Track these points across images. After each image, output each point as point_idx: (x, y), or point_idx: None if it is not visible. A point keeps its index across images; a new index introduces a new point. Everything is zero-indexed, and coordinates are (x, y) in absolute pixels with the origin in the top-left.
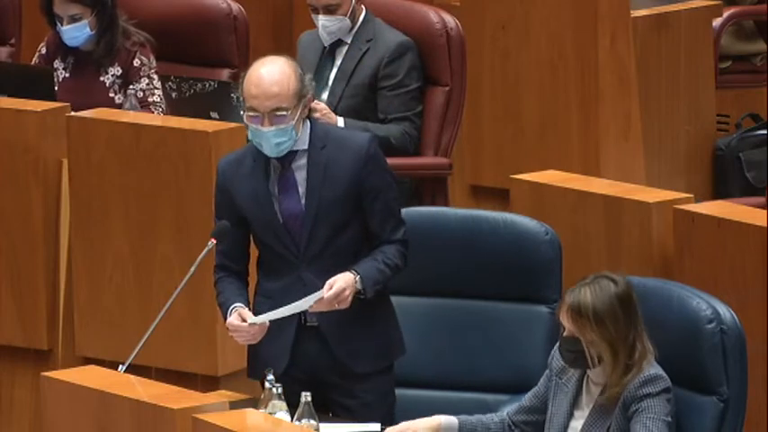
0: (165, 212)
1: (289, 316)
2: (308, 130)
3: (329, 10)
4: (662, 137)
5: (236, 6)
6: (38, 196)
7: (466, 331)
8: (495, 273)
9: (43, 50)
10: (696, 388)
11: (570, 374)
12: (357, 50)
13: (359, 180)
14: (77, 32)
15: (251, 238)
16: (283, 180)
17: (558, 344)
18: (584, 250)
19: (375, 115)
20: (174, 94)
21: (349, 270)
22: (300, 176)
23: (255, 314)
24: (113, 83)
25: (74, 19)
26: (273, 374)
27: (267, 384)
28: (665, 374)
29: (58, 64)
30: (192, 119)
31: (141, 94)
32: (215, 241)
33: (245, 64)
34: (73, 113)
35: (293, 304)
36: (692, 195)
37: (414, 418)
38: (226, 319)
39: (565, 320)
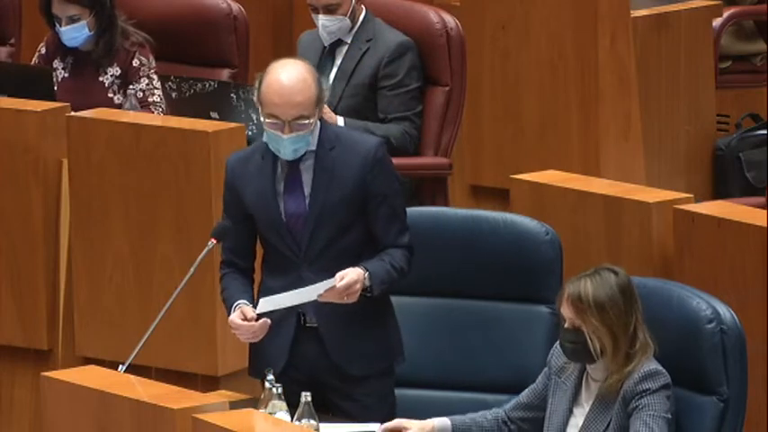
0: (165, 212)
1: (289, 316)
2: (318, 131)
3: (329, 10)
4: (662, 137)
5: (236, 6)
6: (38, 196)
7: (466, 331)
8: (495, 273)
9: (43, 50)
10: (696, 388)
11: (569, 372)
12: (357, 50)
13: (364, 183)
14: (76, 33)
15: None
16: (290, 179)
17: (557, 342)
18: (585, 250)
19: (375, 115)
20: (174, 94)
21: (358, 266)
22: (307, 177)
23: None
24: (112, 83)
25: (72, 20)
26: (273, 374)
27: (267, 384)
28: (664, 370)
29: (57, 64)
30: (191, 119)
31: (141, 94)
32: (215, 241)
33: (245, 64)
34: (73, 113)
35: (303, 290)
36: (692, 195)
37: (414, 418)
38: (229, 315)
39: (566, 310)
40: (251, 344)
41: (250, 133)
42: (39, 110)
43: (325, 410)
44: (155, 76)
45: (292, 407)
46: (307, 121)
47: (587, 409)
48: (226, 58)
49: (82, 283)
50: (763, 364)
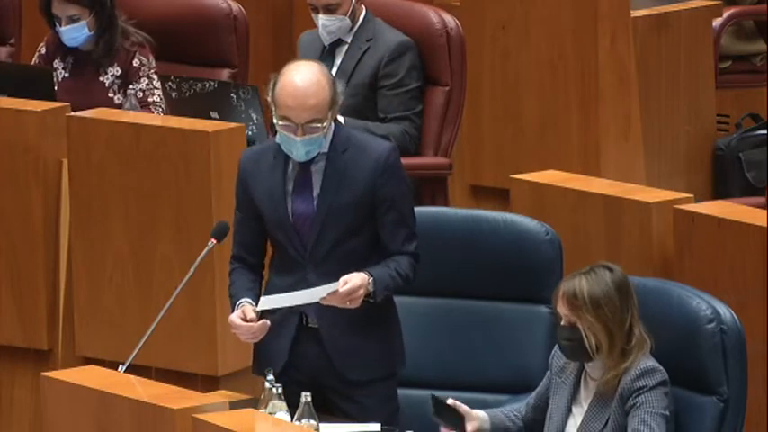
0: (165, 212)
1: (291, 316)
2: (331, 133)
3: (329, 9)
4: (662, 137)
5: (236, 6)
6: (38, 196)
7: (466, 331)
8: (496, 273)
9: (43, 50)
10: (696, 388)
11: (569, 372)
12: (357, 50)
13: (374, 188)
14: (76, 33)
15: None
16: (299, 180)
17: (557, 342)
18: (585, 250)
19: (375, 115)
20: (174, 94)
21: (363, 271)
22: (317, 178)
23: (262, 310)
24: (113, 83)
25: (72, 19)
26: (273, 374)
27: (267, 384)
28: (661, 367)
29: (57, 64)
30: (192, 119)
31: (141, 94)
32: (215, 241)
33: (245, 64)
34: (73, 113)
35: (306, 291)
36: (692, 195)
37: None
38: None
39: (561, 308)
40: (255, 342)
41: (250, 133)
42: (39, 110)
43: (325, 411)
44: (155, 76)
45: (293, 407)
46: (320, 125)
47: (586, 407)
48: (226, 58)
49: (82, 283)
50: (763, 364)
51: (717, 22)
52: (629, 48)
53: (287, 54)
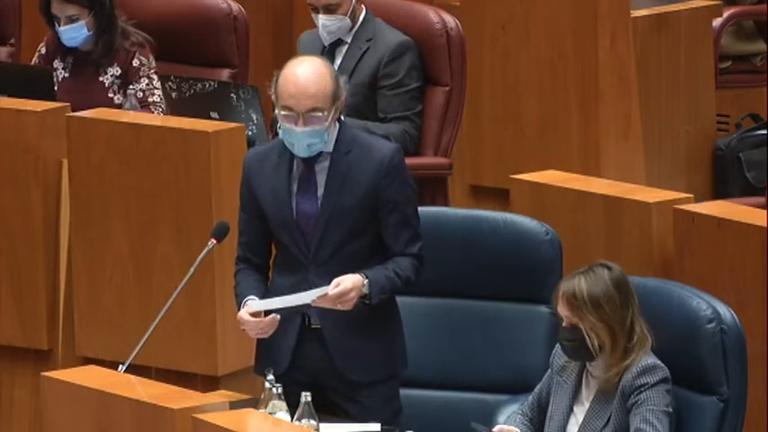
0: (165, 212)
1: (294, 316)
2: (336, 133)
3: (329, 9)
4: (662, 137)
5: (236, 6)
6: (38, 196)
7: (466, 331)
8: (495, 273)
9: (43, 50)
10: (696, 388)
11: (570, 372)
12: (357, 50)
13: (377, 189)
14: (75, 33)
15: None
16: (304, 180)
17: (558, 343)
18: (585, 250)
19: (375, 115)
20: (174, 94)
21: (358, 273)
22: (321, 178)
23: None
24: (113, 83)
25: (71, 19)
26: (275, 374)
27: (267, 384)
28: (662, 364)
29: (57, 64)
30: (192, 119)
31: (141, 94)
32: (215, 241)
33: (245, 64)
34: (73, 113)
35: (296, 295)
36: (692, 195)
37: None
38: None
39: (562, 309)
40: (258, 342)
41: (250, 133)
42: (39, 110)
43: (327, 411)
44: (155, 76)
45: (294, 407)
46: (321, 114)
47: (587, 406)
48: (226, 58)
49: (82, 283)
50: (763, 364)
51: (717, 22)
52: (629, 48)
53: (287, 54)
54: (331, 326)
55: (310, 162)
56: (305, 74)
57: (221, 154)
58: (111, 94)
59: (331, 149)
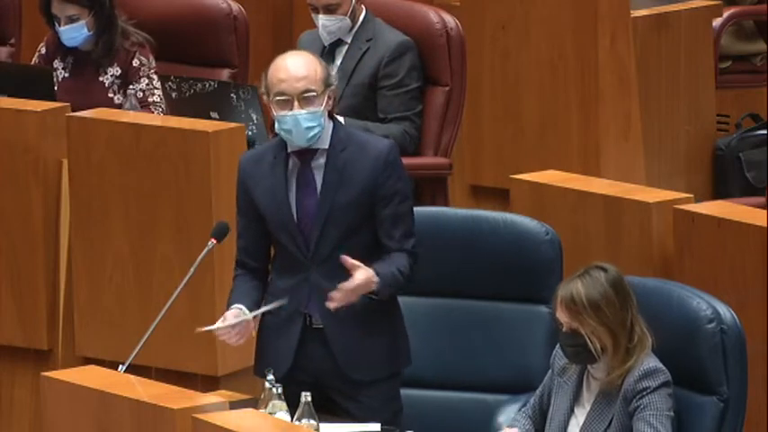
0: (165, 212)
1: (295, 316)
2: (331, 131)
3: (329, 9)
4: (662, 137)
5: (236, 6)
6: (38, 196)
7: (466, 331)
8: (495, 273)
9: (43, 50)
10: (696, 388)
11: (571, 373)
12: (357, 50)
13: (374, 186)
14: (75, 33)
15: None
16: (301, 179)
17: (558, 344)
18: (585, 250)
19: (375, 115)
20: (174, 94)
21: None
22: (318, 176)
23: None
24: (113, 83)
25: (71, 19)
26: (276, 375)
27: (267, 384)
28: (663, 368)
29: (57, 64)
30: (192, 119)
31: (141, 94)
32: (215, 241)
33: (245, 64)
34: (73, 113)
35: (262, 309)
36: (692, 195)
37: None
38: None
39: (561, 315)
40: (257, 343)
41: (250, 133)
42: (39, 110)
43: (328, 411)
44: (155, 76)
45: (295, 407)
46: (314, 94)
47: (588, 408)
48: (226, 58)
49: (82, 283)
50: (763, 364)
51: (717, 22)
52: (629, 48)
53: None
54: (333, 325)
55: (307, 159)
56: (294, 59)
57: (221, 154)
58: (111, 94)
59: (326, 146)
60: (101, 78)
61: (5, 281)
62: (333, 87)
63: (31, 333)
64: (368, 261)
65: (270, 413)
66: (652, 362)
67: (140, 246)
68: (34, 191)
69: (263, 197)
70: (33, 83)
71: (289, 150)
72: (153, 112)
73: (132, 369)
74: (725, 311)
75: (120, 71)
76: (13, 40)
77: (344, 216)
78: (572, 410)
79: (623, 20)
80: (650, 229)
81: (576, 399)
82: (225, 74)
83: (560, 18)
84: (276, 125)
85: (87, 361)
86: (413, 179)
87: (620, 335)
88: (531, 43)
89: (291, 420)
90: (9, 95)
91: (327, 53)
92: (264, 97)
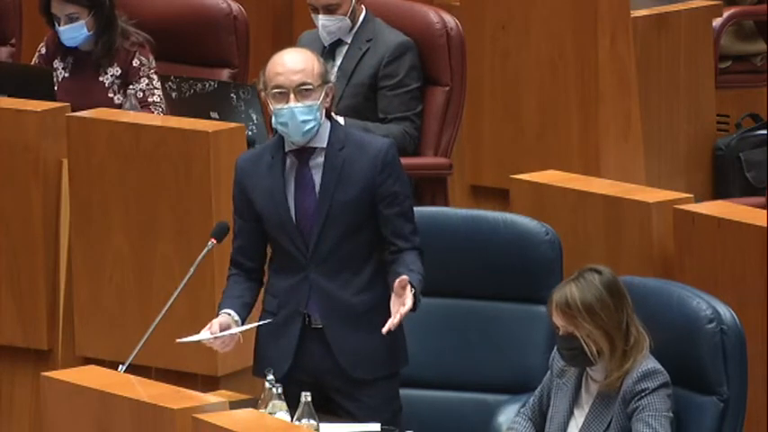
0: (165, 212)
1: (295, 317)
2: (328, 130)
3: (329, 10)
4: (662, 137)
5: (236, 6)
6: (38, 196)
7: (466, 331)
8: (495, 273)
9: (43, 50)
10: (696, 388)
11: (569, 375)
12: (357, 50)
13: (373, 185)
14: (75, 33)
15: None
16: (300, 178)
17: (556, 346)
18: (584, 250)
19: (375, 115)
20: (174, 94)
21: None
22: (317, 176)
23: (264, 311)
24: (112, 83)
25: (71, 19)
26: (276, 375)
27: (267, 384)
28: (662, 369)
29: (57, 64)
30: (192, 119)
31: (141, 94)
32: (215, 241)
33: (245, 64)
34: (73, 113)
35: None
36: (692, 195)
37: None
38: None
39: (557, 319)
40: (256, 343)
41: (250, 133)
42: (39, 110)
43: (328, 411)
44: (155, 76)
45: (295, 407)
46: (310, 87)
47: (587, 409)
48: (226, 58)
49: (82, 283)
50: (763, 364)
51: (717, 22)
52: (629, 48)
53: None
54: (333, 324)
55: (305, 158)
56: (291, 54)
57: (221, 154)
58: (111, 94)
59: (324, 145)
60: (101, 78)
61: (5, 281)
62: (330, 84)
63: (31, 333)
64: (367, 260)
65: (270, 413)
66: (650, 363)
67: (140, 246)
68: (34, 191)
69: (261, 197)
70: (33, 83)
71: (286, 150)
72: (153, 112)
73: (132, 369)
74: (725, 311)
75: (120, 71)
76: (13, 40)
77: (343, 215)
78: (571, 412)
79: (623, 20)
80: (650, 229)
81: (575, 400)
82: (225, 74)
83: (560, 18)
84: (273, 120)
85: (87, 361)
86: (413, 179)
87: (616, 337)
88: (531, 43)
89: (291, 420)
90: (9, 95)
91: (327, 53)
92: (262, 93)
